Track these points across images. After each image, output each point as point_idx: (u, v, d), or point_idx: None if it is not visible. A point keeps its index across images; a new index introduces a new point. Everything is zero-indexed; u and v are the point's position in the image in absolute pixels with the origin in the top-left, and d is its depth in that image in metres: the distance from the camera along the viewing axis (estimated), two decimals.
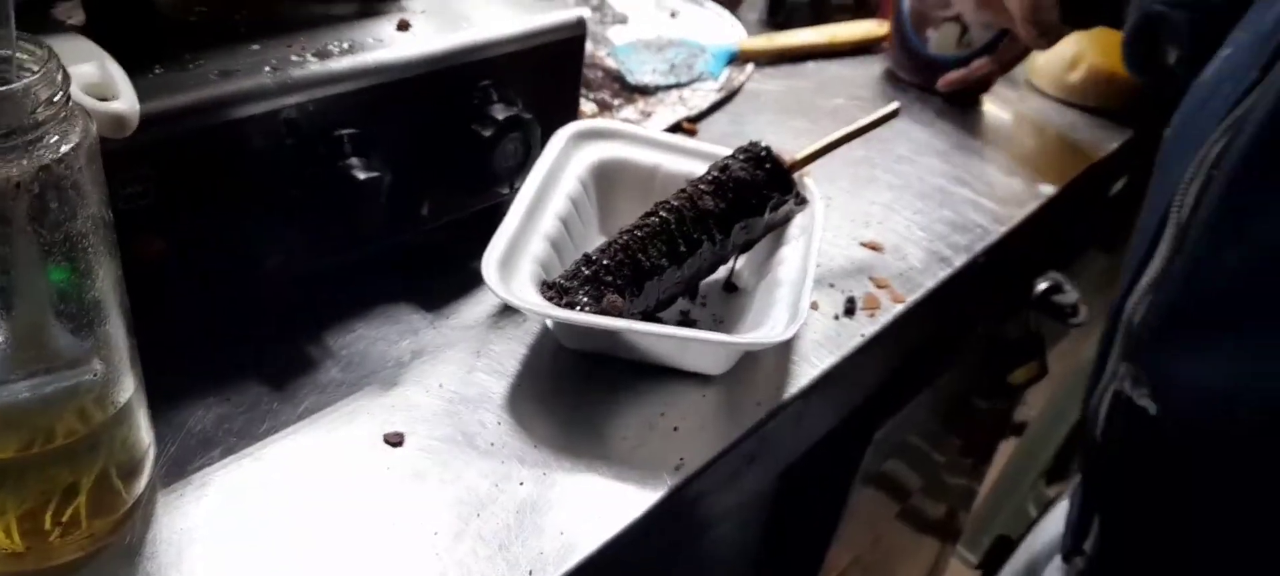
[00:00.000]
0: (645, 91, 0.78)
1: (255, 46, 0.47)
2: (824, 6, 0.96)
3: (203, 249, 0.44)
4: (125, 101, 0.37)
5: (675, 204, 0.50)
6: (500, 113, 0.52)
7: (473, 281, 0.54)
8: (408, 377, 0.47)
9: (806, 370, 0.50)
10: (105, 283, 0.34)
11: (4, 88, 0.30)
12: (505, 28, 0.54)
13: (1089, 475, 0.51)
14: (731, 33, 0.89)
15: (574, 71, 0.59)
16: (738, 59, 0.86)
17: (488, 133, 0.51)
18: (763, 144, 0.53)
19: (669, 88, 0.79)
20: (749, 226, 0.52)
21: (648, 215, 0.50)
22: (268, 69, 0.44)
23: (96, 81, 0.37)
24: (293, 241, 0.47)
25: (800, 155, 0.55)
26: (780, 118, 0.78)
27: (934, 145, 0.78)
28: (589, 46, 0.85)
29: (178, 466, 0.41)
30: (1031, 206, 0.70)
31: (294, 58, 0.46)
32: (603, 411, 0.46)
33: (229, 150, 0.43)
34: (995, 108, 0.87)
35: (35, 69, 0.31)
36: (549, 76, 0.57)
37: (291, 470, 0.41)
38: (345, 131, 0.47)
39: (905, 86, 0.87)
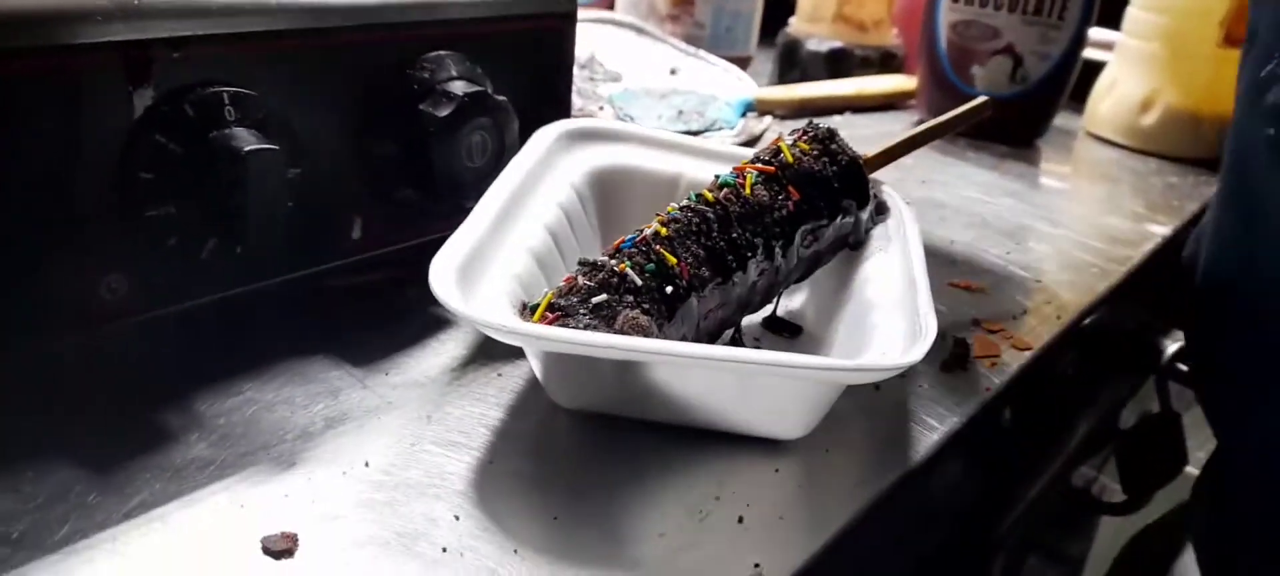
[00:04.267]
0: None
1: None
2: (843, 64, 0.84)
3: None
4: None
5: (713, 194, 0.35)
6: (460, 89, 0.37)
7: (428, 329, 0.38)
8: (315, 454, 0.30)
9: (921, 435, 0.34)
10: None
11: None
12: None
13: None
14: (743, 86, 0.76)
15: (562, 58, 0.44)
16: (754, 110, 0.72)
17: (443, 113, 0.36)
18: (823, 126, 0.39)
19: None
20: (816, 234, 0.37)
21: (676, 208, 0.34)
22: None
23: None
24: (146, 260, 0.31)
25: (877, 152, 0.41)
26: None
27: (1005, 187, 0.63)
28: (578, 102, 0.71)
29: None
30: (1147, 246, 0.55)
31: None
32: (623, 496, 0.29)
33: (36, 102, 0.28)
34: (1057, 158, 0.74)
35: None
36: (529, 63, 0.43)
37: None
38: (225, 88, 0.31)
39: (955, 136, 0.73)
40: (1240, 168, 0.45)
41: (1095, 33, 0.80)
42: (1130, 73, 0.76)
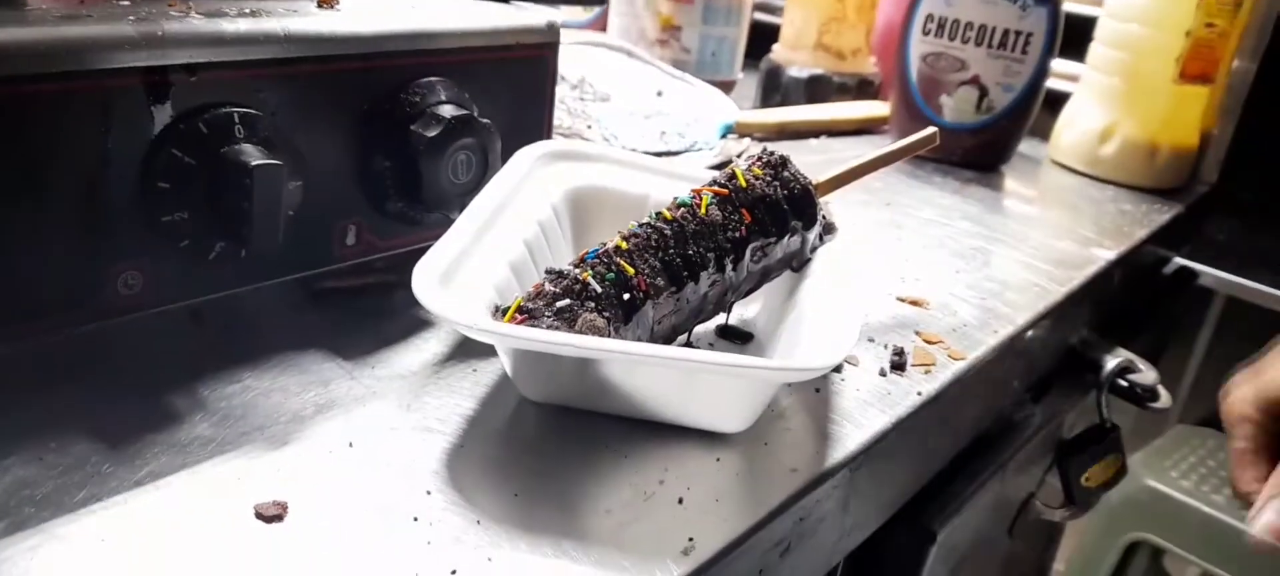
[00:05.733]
0: None
1: (125, 2, 0.36)
2: (821, 90, 0.88)
3: (24, 250, 0.32)
4: None
5: (671, 213, 0.39)
6: (449, 112, 0.41)
7: (411, 328, 0.42)
8: (305, 435, 0.34)
9: (853, 432, 0.38)
10: None
11: None
12: (457, 22, 0.43)
13: None
14: (725, 109, 0.80)
15: (543, 84, 0.48)
16: (734, 132, 0.76)
17: (432, 133, 0.40)
18: (776, 153, 0.43)
19: (659, 155, 0.69)
20: (765, 251, 0.40)
21: (637, 225, 0.38)
22: (131, 19, 0.33)
23: None
24: (162, 257, 0.35)
25: (827, 177, 0.44)
26: None
27: (965, 210, 0.67)
28: (568, 120, 0.76)
29: None
30: (1090, 270, 0.59)
31: (173, 13, 0.35)
32: (577, 478, 0.33)
33: (65, 117, 0.32)
34: (1020, 183, 0.78)
35: None
36: (513, 87, 0.47)
37: (105, 552, 0.27)
38: (236, 109, 0.35)
39: (920, 159, 0.77)
40: None
41: (1062, 65, 0.84)
42: (1091, 104, 0.80)
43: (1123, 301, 0.65)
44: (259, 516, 0.29)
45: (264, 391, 0.36)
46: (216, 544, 0.28)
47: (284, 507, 0.30)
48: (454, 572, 0.28)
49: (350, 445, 0.33)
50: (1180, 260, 0.82)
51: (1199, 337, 1.04)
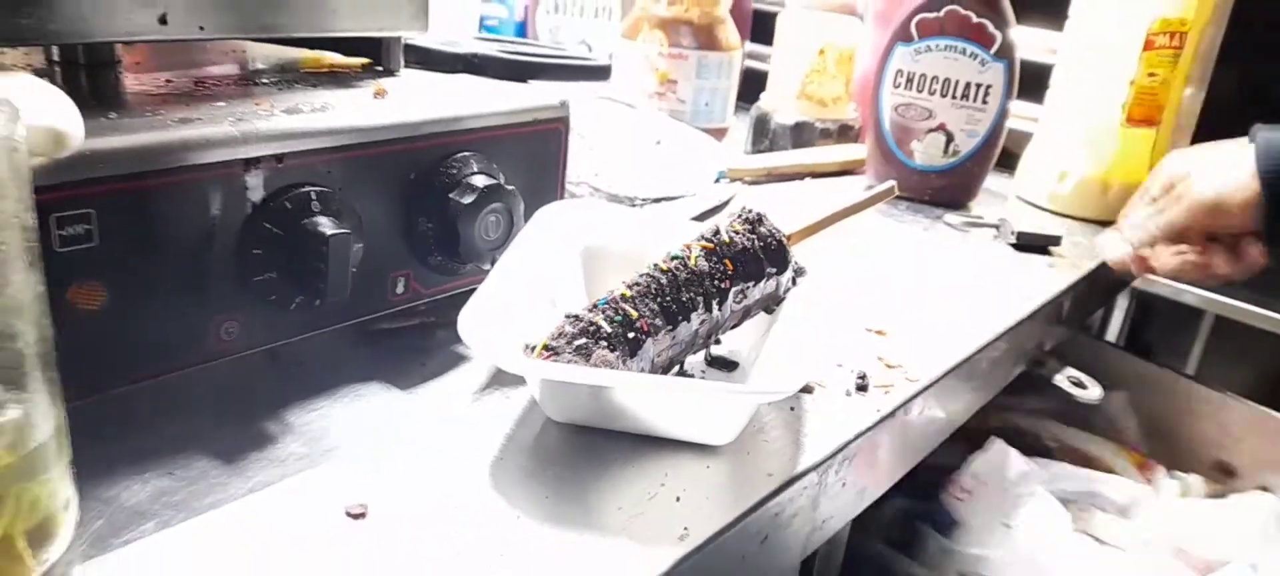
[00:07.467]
0: (631, 205, 0.76)
1: (221, 103, 0.44)
2: (806, 134, 0.96)
3: (152, 307, 0.40)
4: (67, 122, 0.34)
5: (666, 265, 0.47)
6: (480, 182, 0.49)
7: (452, 362, 0.50)
8: (376, 452, 0.42)
9: (821, 444, 0.46)
10: (20, 293, 0.30)
11: None
12: (485, 105, 0.52)
13: None
14: (718, 156, 0.89)
15: (557, 154, 0.57)
16: (727, 177, 0.85)
17: (467, 200, 0.48)
18: (754, 210, 0.51)
19: (655, 200, 0.78)
20: (745, 293, 0.49)
21: (639, 275, 0.46)
22: (231, 120, 0.42)
23: (38, 98, 0.35)
24: (253, 309, 0.43)
25: (798, 229, 0.52)
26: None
27: (933, 244, 0.75)
28: (575, 169, 0.84)
29: (101, 540, 0.35)
30: (1043, 297, 0.67)
31: (262, 112, 0.43)
32: (595, 482, 0.41)
33: (184, 199, 0.40)
34: (982, 223, 0.86)
35: None
36: (532, 158, 0.55)
37: (235, 543, 0.35)
38: (313, 188, 0.44)
39: (894, 199, 0.86)
40: None
41: (1026, 108, 0.93)
42: (1049, 147, 0.89)
43: (1077, 321, 0.73)
44: (347, 514, 0.37)
45: (338, 417, 0.44)
46: (317, 536, 0.36)
47: (365, 508, 0.38)
48: (502, 554, 0.36)
49: (412, 459, 0.41)
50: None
51: (1191, 355, 1.11)
